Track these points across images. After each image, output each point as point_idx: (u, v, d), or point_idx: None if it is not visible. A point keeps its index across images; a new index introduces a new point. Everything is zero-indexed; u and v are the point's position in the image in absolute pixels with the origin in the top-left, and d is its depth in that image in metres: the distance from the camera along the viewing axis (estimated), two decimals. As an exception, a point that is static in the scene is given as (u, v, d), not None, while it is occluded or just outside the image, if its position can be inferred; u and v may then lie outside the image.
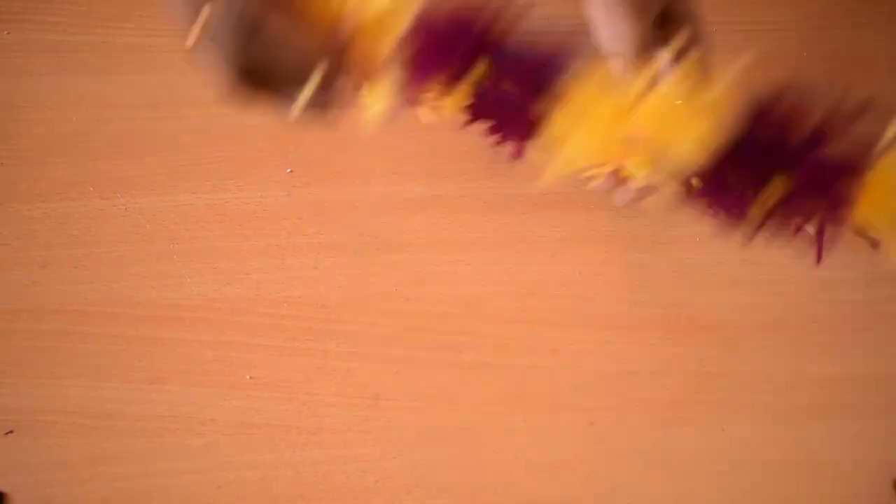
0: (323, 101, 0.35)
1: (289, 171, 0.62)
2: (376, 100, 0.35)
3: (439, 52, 0.32)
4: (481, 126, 0.36)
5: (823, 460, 0.54)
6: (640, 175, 0.39)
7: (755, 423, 0.55)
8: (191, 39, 0.33)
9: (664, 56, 0.39)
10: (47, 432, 0.54)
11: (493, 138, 0.37)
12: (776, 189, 0.38)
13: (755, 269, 0.59)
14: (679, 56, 0.39)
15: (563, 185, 0.61)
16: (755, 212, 0.39)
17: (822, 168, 0.38)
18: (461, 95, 0.34)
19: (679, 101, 0.37)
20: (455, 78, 0.33)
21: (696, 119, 0.37)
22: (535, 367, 0.56)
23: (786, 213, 0.39)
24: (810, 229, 0.41)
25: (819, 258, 0.40)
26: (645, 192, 0.41)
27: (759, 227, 0.39)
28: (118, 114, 0.63)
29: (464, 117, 0.36)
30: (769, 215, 0.39)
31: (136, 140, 0.62)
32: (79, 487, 0.53)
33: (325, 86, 0.34)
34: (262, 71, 0.34)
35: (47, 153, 0.62)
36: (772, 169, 0.38)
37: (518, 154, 0.37)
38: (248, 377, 0.56)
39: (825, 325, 0.57)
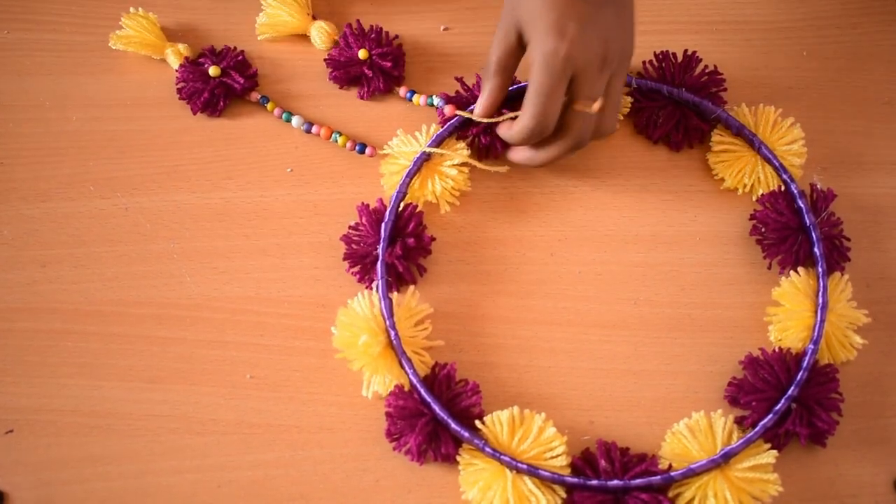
0: None
1: (289, 170, 0.62)
2: None
3: None
4: None
5: (825, 460, 0.54)
6: None
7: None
8: None
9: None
10: (47, 432, 0.54)
11: None
12: None
13: (755, 269, 0.59)
14: None
15: (563, 185, 0.61)
16: None
17: None
18: None
19: None
20: None
21: None
22: (534, 367, 0.56)
23: None
24: None
25: None
26: None
27: None
28: (118, 114, 0.63)
29: None
30: None
31: (136, 140, 0.62)
32: (79, 487, 0.53)
33: None
34: None
35: (47, 153, 0.62)
36: None
37: None
38: (248, 377, 0.56)
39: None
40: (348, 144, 0.61)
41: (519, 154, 0.59)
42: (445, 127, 0.60)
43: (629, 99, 0.62)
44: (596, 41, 0.53)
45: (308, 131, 0.62)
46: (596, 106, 0.54)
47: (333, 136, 0.62)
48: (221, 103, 0.63)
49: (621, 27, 0.55)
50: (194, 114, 0.63)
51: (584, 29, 0.52)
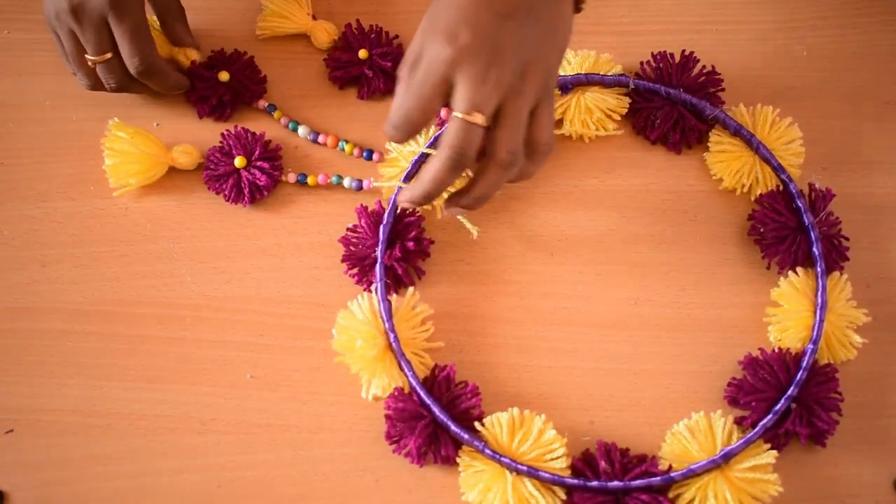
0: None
1: (289, 171, 0.62)
2: None
3: None
4: None
5: (825, 460, 0.54)
6: None
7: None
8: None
9: None
10: (47, 431, 0.54)
11: None
12: None
13: (755, 269, 0.59)
14: None
15: (563, 185, 0.61)
16: None
17: None
18: None
19: None
20: None
21: None
22: (534, 367, 0.56)
23: None
24: None
25: None
26: None
27: None
28: (118, 114, 0.63)
29: None
30: None
31: (136, 140, 0.62)
32: (79, 487, 0.53)
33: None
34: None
35: (47, 153, 0.62)
36: None
37: None
38: (248, 377, 0.56)
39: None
40: (355, 151, 0.61)
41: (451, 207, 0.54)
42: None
43: (627, 100, 0.62)
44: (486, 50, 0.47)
45: (315, 141, 0.62)
46: (479, 119, 0.48)
47: (340, 144, 0.62)
48: (228, 110, 0.63)
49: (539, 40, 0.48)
50: (200, 118, 0.63)
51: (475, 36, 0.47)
